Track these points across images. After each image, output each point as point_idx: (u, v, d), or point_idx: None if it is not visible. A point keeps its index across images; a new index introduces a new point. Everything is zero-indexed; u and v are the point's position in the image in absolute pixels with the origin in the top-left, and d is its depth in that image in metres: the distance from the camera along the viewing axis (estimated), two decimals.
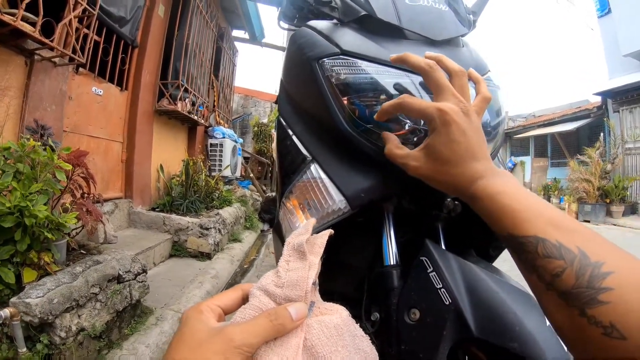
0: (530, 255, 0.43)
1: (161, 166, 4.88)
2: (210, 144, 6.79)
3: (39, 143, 2.01)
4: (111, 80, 3.91)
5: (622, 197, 10.18)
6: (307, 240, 0.53)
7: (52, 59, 2.82)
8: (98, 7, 3.08)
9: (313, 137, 0.88)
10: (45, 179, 1.92)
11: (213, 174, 6.11)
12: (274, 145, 1.35)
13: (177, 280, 3.17)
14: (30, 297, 1.66)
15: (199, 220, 4.11)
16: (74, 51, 2.83)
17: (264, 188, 9.14)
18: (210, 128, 6.88)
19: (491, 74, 0.93)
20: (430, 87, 0.63)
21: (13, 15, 2.28)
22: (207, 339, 0.38)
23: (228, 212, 4.98)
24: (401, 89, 0.75)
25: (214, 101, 7.46)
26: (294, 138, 0.91)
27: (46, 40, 2.50)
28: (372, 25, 0.86)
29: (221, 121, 7.73)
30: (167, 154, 5.21)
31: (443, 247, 0.84)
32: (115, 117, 4.08)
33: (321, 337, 0.44)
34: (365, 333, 0.77)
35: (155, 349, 2.14)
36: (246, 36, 9.29)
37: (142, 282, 2.40)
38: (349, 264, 1.00)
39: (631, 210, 10.40)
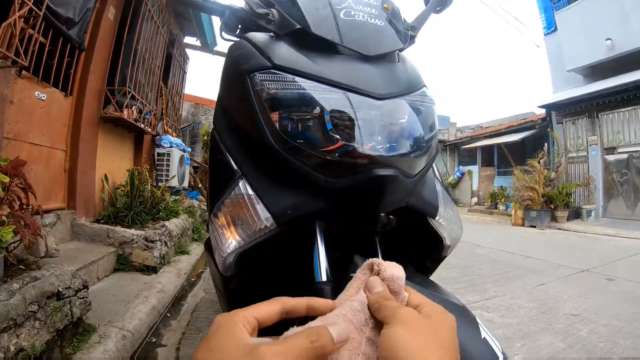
0: None
1: (106, 176, 4.68)
2: (157, 153, 6.58)
3: None
4: (55, 85, 3.72)
5: (566, 203, 10.78)
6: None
7: None
8: (45, 7, 2.94)
9: (243, 151, 0.88)
10: None
11: (160, 184, 5.94)
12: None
13: (121, 295, 3.04)
14: None
15: (144, 232, 3.97)
16: (17, 53, 2.68)
17: None
18: (157, 137, 6.68)
19: (426, 89, 0.95)
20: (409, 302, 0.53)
21: None
22: (237, 357, 0.34)
23: (175, 224, 4.85)
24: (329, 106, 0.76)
25: (162, 109, 7.27)
26: (225, 152, 0.91)
27: None
28: (306, 40, 0.88)
29: (169, 130, 7.54)
30: (112, 163, 5.01)
31: None
32: (58, 124, 3.88)
33: None
34: None
35: None
36: (198, 43, 9.17)
37: (83, 298, 2.29)
38: (287, 279, 1.00)
39: (575, 214, 11.04)
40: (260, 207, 0.78)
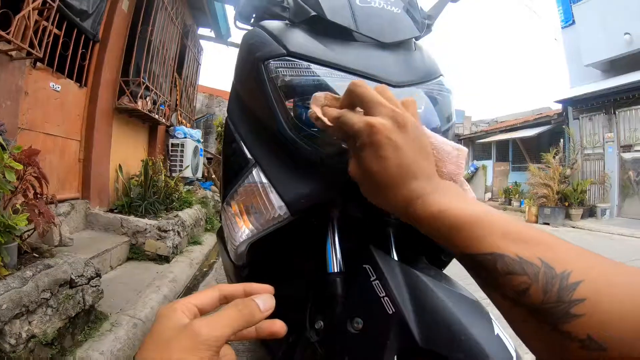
0: (489, 274, 0.39)
1: (120, 166, 4.73)
2: (172, 143, 6.64)
3: None
4: (70, 76, 3.77)
5: (580, 201, 10.59)
6: None
7: (9, 52, 2.69)
8: None
9: (258, 140, 0.87)
10: None
11: (174, 174, 5.99)
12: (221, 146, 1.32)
13: (133, 284, 3.09)
14: None
15: (157, 222, 4.02)
16: (32, 45, 2.72)
17: None
18: (171, 128, 6.74)
19: (443, 78, 0.94)
20: (360, 106, 0.57)
21: None
22: (174, 337, 0.37)
23: (188, 214, 4.89)
24: None
25: (177, 100, 7.31)
26: (239, 140, 0.90)
27: (2, 33, 2.39)
28: (322, 27, 0.86)
29: (183, 121, 7.59)
30: (126, 153, 5.06)
31: (394, 252, 0.83)
32: (73, 115, 3.94)
33: None
34: (310, 342, 0.77)
35: (109, 356, 2.08)
36: (212, 34, 9.14)
37: (95, 286, 2.33)
38: (301, 268, 1.00)
39: (589, 213, 10.87)
40: (273, 196, 0.77)
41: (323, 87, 0.75)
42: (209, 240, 5.22)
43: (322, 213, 0.82)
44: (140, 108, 4.78)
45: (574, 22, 12.51)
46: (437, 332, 0.56)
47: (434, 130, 0.80)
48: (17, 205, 2.06)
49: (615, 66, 11.15)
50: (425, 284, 0.62)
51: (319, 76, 0.77)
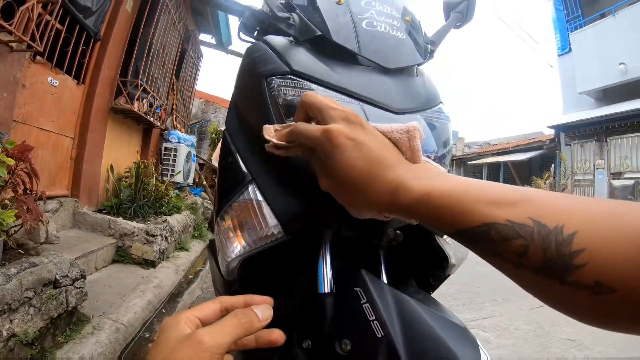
0: (486, 244, 0.40)
1: (112, 166, 4.68)
2: (165, 147, 6.60)
3: None
4: (69, 72, 3.74)
5: None
6: None
7: (10, 44, 2.66)
8: None
9: (255, 155, 0.85)
10: None
11: (165, 178, 5.95)
12: (215, 154, 1.30)
13: (118, 287, 3.03)
14: None
15: (145, 226, 3.96)
16: (33, 38, 2.69)
17: None
18: (166, 131, 6.70)
19: (442, 105, 0.94)
20: (313, 114, 0.57)
21: None
22: (178, 346, 0.39)
23: (176, 220, 4.84)
24: None
25: (173, 104, 7.30)
26: (236, 155, 0.88)
27: (5, 24, 2.37)
28: (326, 47, 0.86)
29: (178, 125, 7.57)
30: (119, 154, 5.02)
31: (384, 275, 0.83)
32: (68, 111, 3.90)
33: None
34: None
35: (90, 359, 2.02)
36: (213, 41, 9.21)
37: (80, 288, 2.27)
38: (291, 286, 0.98)
39: None
40: (268, 214, 0.75)
41: None
42: (196, 247, 5.16)
43: (316, 233, 0.80)
44: (136, 109, 4.75)
45: (570, 49, 12.82)
46: (425, 357, 0.56)
47: (430, 154, 0.81)
48: (6, 201, 2.01)
49: (608, 95, 11.42)
50: (415, 309, 0.63)
51: None
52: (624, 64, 10.54)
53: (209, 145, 11.50)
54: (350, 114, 0.53)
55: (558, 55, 13.79)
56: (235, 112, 0.99)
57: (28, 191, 2.22)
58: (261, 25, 1.06)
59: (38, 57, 3.21)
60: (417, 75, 0.96)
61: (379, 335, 0.58)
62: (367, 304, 0.63)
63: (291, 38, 0.92)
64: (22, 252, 2.14)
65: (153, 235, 3.92)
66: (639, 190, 10.47)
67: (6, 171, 1.94)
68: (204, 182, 8.87)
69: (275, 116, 0.78)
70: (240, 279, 0.88)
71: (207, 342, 0.39)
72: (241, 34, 1.10)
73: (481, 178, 18.61)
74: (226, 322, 0.43)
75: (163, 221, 4.37)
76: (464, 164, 19.62)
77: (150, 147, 6.14)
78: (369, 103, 0.78)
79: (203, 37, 9.04)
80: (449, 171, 0.92)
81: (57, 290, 2.07)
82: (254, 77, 0.85)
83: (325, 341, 0.67)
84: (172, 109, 7.24)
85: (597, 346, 2.91)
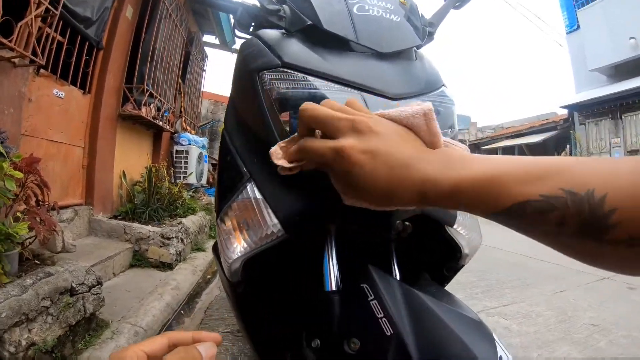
0: (523, 221, 0.41)
1: (124, 172, 4.74)
2: (176, 150, 6.65)
3: None
4: (74, 83, 3.79)
5: None
6: None
7: (12, 60, 2.70)
8: (61, 6, 2.98)
9: (253, 153, 0.84)
10: None
11: (178, 181, 5.99)
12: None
13: (136, 291, 3.07)
14: None
15: (160, 229, 4.01)
16: (34, 52, 2.73)
17: None
18: (176, 134, 6.75)
19: (445, 88, 0.91)
20: (317, 127, 0.55)
21: None
22: None
23: (192, 221, 4.88)
24: None
25: (181, 107, 7.33)
26: (235, 153, 0.88)
27: (5, 40, 2.40)
28: (318, 36, 0.84)
29: (188, 127, 7.61)
30: (130, 160, 5.07)
31: (396, 269, 0.81)
32: (76, 121, 3.95)
33: None
34: None
35: None
36: (217, 42, 9.21)
37: (97, 294, 2.31)
38: (297, 285, 0.97)
39: None
40: (267, 213, 0.75)
41: (318, 99, 0.71)
42: None
43: (319, 229, 0.79)
44: (144, 115, 4.79)
45: (578, 27, 12.52)
46: (437, 354, 0.54)
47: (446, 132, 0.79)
48: (18, 214, 2.05)
49: (620, 71, 11.13)
50: (426, 304, 0.61)
51: (314, 88, 0.75)
52: (634, 38, 10.26)
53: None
54: (357, 122, 0.50)
55: (567, 33, 13.48)
56: (233, 110, 0.99)
57: (40, 202, 2.26)
58: (255, 20, 1.06)
59: (42, 70, 3.25)
60: (415, 59, 0.94)
61: (388, 333, 0.57)
62: (375, 301, 0.62)
63: (283, 30, 0.91)
64: (38, 262, 2.18)
65: (169, 238, 3.96)
66: None
67: (15, 185, 1.97)
68: None
69: (269, 111, 0.77)
70: (245, 280, 0.88)
71: None
72: (237, 31, 1.09)
73: None
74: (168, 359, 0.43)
75: (178, 223, 4.41)
76: (478, 149, 19.31)
77: (161, 151, 6.20)
78: (366, 91, 0.77)
79: (207, 38, 9.08)
80: None
81: (73, 298, 2.11)
82: (247, 73, 0.84)
83: (334, 340, 0.65)
84: (181, 112, 7.28)
85: (620, 330, 2.85)
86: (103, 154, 4.30)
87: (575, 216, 0.37)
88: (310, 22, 0.85)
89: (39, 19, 2.72)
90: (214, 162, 9.74)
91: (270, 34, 0.90)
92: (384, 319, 0.59)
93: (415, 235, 0.83)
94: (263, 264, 0.88)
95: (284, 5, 0.92)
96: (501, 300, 3.55)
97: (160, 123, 5.42)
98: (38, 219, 2.09)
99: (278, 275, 1.00)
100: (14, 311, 1.70)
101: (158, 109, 5.34)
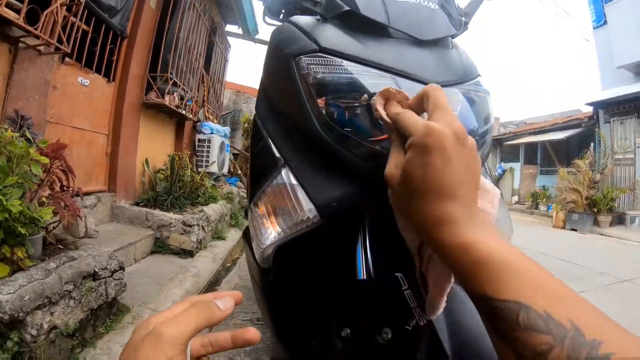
0: (506, 324, 0.35)
1: (147, 160, 4.82)
2: (198, 139, 6.72)
3: (17, 134, 1.96)
4: (98, 71, 3.85)
5: (610, 208, 10.20)
6: None
7: (37, 48, 2.75)
8: None
9: (287, 139, 0.83)
10: (20, 172, 1.86)
11: (200, 169, 6.05)
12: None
13: (157, 277, 3.12)
14: (0, 293, 1.61)
15: (182, 216, 4.06)
16: (60, 40, 2.77)
17: None
18: (198, 123, 6.81)
19: (480, 78, 0.89)
20: (429, 109, 0.53)
21: None
22: (140, 343, 0.38)
23: (213, 209, 4.93)
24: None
25: (204, 96, 7.39)
26: (268, 139, 0.86)
27: (30, 28, 2.44)
28: (355, 22, 0.82)
29: (210, 116, 7.67)
30: (153, 148, 5.14)
31: None
32: (101, 109, 4.02)
33: None
34: (334, 350, 0.73)
35: None
36: (240, 31, 9.21)
37: (118, 279, 2.35)
38: (328, 273, 0.96)
39: (618, 220, 10.44)
40: (303, 198, 0.73)
41: (356, 85, 0.71)
42: (233, 235, 5.25)
43: (353, 217, 0.78)
44: (167, 103, 4.85)
45: (605, 22, 12.05)
46: (469, 347, 0.54)
47: (471, 132, 0.76)
48: (43, 198, 2.09)
49: None
50: (460, 296, 0.59)
51: (352, 74, 0.73)
52: None
53: (242, 135, 11.60)
54: (460, 129, 0.48)
55: (593, 28, 12.99)
56: (265, 97, 0.98)
57: (64, 188, 2.30)
58: (286, 7, 1.06)
59: (67, 59, 3.31)
60: (452, 48, 0.91)
61: (422, 324, 0.56)
62: (409, 290, 0.62)
63: (318, 17, 0.90)
64: (61, 247, 2.23)
65: (190, 226, 4.00)
66: None
67: (41, 170, 2.01)
68: (239, 172, 8.98)
69: (306, 96, 0.75)
70: (276, 267, 0.87)
71: (166, 333, 0.38)
72: (267, 18, 1.09)
73: (518, 159, 17.94)
74: (186, 312, 0.42)
75: (199, 211, 4.46)
76: (500, 145, 18.95)
77: (184, 139, 6.26)
78: (404, 77, 0.74)
79: (230, 27, 9.08)
80: (488, 153, 0.89)
81: (96, 283, 2.15)
82: (282, 59, 0.83)
83: (365, 330, 0.65)
84: (204, 101, 7.34)
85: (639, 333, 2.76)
86: (126, 141, 4.37)
87: (564, 356, 0.31)
88: (347, 8, 0.83)
89: (64, 7, 2.76)
90: (235, 151, 9.81)
91: (305, 19, 0.88)
92: (417, 309, 0.59)
93: None
94: (294, 251, 0.87)
95: None
96: None
97: (184, 112, 5.47)
98: (62, 204, 2.12)
99: (308, 263, 0.99)
100: (37, 294, 1.74)
101: (181, 98, 5.39)
